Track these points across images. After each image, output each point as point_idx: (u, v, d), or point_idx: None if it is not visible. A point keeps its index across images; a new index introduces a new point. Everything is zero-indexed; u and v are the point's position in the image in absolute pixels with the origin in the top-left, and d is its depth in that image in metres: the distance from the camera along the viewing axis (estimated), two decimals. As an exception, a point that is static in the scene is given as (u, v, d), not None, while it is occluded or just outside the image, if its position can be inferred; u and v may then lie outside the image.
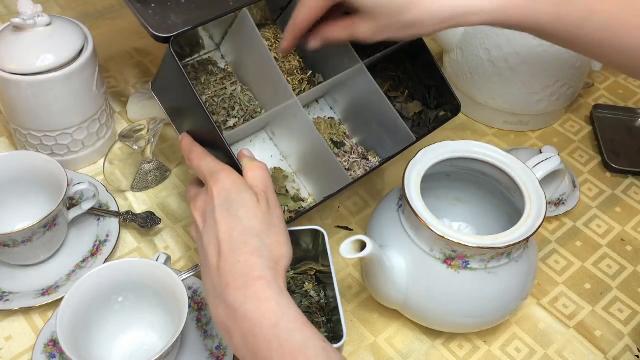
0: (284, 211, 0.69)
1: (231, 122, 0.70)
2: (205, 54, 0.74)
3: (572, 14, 0.53)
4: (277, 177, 0.72)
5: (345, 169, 0.72)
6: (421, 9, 0.52)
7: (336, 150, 0.74)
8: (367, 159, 0.75)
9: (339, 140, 0.76)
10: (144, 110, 0.85)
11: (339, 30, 0.57)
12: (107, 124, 0.81)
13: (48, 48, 0.70)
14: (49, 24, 0.71)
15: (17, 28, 0.70)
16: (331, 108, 0.79)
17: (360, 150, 0.76)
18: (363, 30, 0.55)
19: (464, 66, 0.88)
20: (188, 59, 0.73)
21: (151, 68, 0.94)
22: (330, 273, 0.63)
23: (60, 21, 0.73)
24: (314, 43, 0.60)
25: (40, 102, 0.72)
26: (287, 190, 0.71)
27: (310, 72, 0.75)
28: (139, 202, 0.78)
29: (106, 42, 0.96)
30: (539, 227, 0.57)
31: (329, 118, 0.78)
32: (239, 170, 0.55)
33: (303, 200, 0.72)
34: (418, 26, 0.53)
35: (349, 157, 0.74)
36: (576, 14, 0.53)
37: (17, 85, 0.70)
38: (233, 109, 0.71)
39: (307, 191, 0.74)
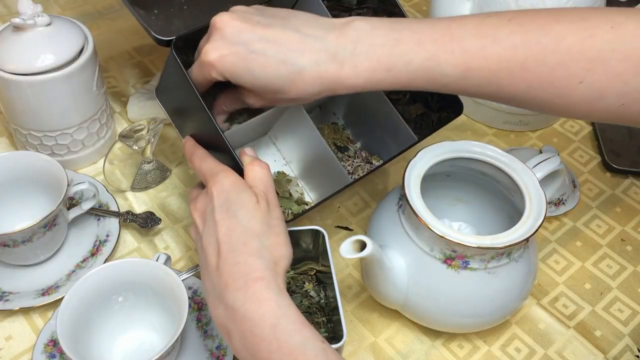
0: (287, 214, 0.69)
1: (234, 126, 0.70)
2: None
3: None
4: (281, 180, 0.72)
5: (349, 173, 0.72)
6: (295, 91, 0.54)
7: (340, 155, 0.74)
8: (371, 163, 0.75)
9: (342, 145, 0.76)
10: (144, 110, 0.85)
11: (231, 102, 0.61)
12: (107, 124, 0.81)
13: (48, 48, 0.70)
14: (49, 24, 0.71)
15: (17, 28, 0.70)
16: (334, 113, 0.79)
17: (364, 155, 0.76)
18: (252, 102, 0.59)
19: (464, 66, 0.88)
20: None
21: (151, 68, 0.94)
22: (330, 273, 0.63)
23: (60, 21, 0.73)
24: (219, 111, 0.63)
25: (40, 102, 0.72)
26: (290, 194, 0.71)
27: None
28: (139, 202, 0.78)
29: (106, 42, 0.96)
30: (539, 227, 0.57)
31: (332, 123, 0.78)
32: (242, 173, 0.55)
33: (306, 204, 0.72)
34: (299, 101, 0.57)
35: (353, 161, 0.75)
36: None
37: (17, 85, 0.70)
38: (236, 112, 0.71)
39: (310, 196, 0.74)
